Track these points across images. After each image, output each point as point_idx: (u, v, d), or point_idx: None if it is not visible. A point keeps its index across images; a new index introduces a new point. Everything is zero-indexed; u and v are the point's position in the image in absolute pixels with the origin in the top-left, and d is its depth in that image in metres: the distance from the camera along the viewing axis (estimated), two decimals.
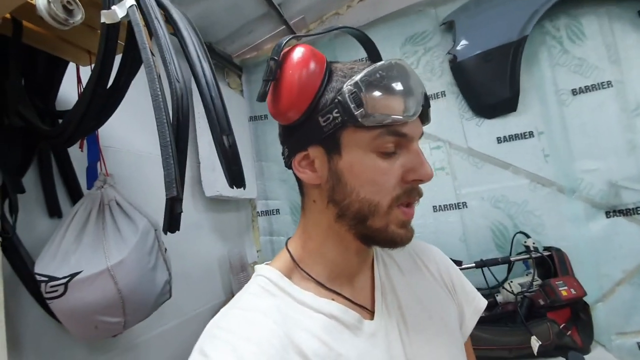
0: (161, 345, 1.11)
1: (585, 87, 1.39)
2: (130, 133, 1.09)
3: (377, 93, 0.40)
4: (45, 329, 0.76)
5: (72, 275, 0.63)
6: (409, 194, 0.42)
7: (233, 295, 1.57)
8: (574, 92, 1.40)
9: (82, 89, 0.87)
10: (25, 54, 0.72)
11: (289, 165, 0.49)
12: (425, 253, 0.59)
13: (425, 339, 0.47)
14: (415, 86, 0.42)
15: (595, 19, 1.40)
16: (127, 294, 0.67)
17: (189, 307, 1.27)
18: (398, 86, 0.41)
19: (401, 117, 0.40)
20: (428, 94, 1.46)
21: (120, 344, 0.94)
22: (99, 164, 0.82)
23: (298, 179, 0.49)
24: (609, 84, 1.36)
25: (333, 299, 0.45)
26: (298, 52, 0.43)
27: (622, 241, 1.31)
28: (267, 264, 0.50)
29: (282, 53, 0.43)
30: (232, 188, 0.66)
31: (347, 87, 0.41)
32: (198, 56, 0.60)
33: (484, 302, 0.59)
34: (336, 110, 0.41)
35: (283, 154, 0.51)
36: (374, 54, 0.56)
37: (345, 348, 0.41)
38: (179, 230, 0.59)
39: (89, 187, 0.80)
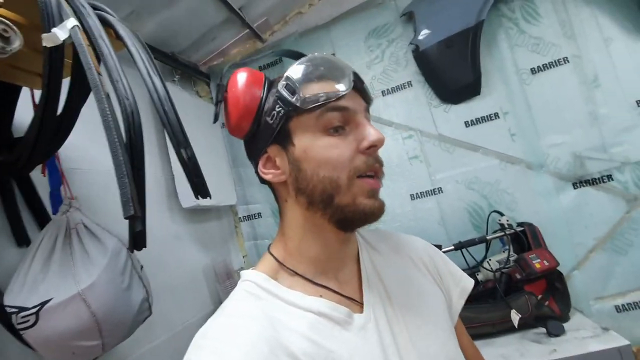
0: None
1: (543, 65, 1.44)
2: (96, 153, 1.07)
3: (306, 78, 0.45)
4: (26, 359, 0.74)
5: (42, 304, 0.62)
6: (367, 163, 0.45)
7: (221, 304, 1.55)
8: (533, 70, 1.45)
9: None
10: None
11: (261, 178, 0.51)
12: (408, 243, 0.61)
13: (415, 325, 0.48)
14: (342, 67, 0.46)
15: None
16: (101, 316, 0.66)
17: (177, 320, 1.26)
18: (324, 69, 0.46)
19: (334, 92, 0.44)
20: (395, 85, 1.48)
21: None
22: (62, 187, 0.80)
23: (270, 185, 0.52)
24: (566, 59, 1.41)
25: (321, 295, 0.46)
26: (237, 74, 0.49)
27: (591, 210, 1.37)
28: (252, 268, 0.50)
29: (226, 78, 0.50)
30: (197, 199, 0.67)
31: (280, 83, 0.46)
32: (148, 72, 0.60)
33: (470, 282, 0.60)
34: (277, 105, 0.46)
35: (255, 170, 0.52)
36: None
37: (336, 344, 0.42)
38: (145, 247, 0.59)
39: (54, 212, 0.79)
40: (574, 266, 1.36)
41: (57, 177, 0.79)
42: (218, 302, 1.48)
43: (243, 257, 1.79)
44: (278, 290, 0.46)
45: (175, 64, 1.62)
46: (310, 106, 0.44)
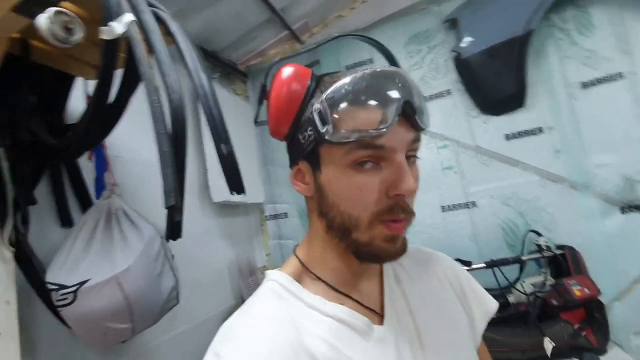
0: (172, 350, 1.13)
1: (595, 79, 1.36)
2: (138, 143, 1.12)
3: (342, 109, 0.39)
4: (58, 335, 0.78)
5: (81, 284, 0.65)
6: (392, 210, 0.40)
7: (243, 300, 1.57)
8: (584, 85, 1.37)
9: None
10: (34, 71, 0.75)
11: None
12: (434, 259, 0.59)
13: (435, 344, 0.47)
14: (389, 95, 0.39)
15: (604, 9, 1.36)
16: (133, 300, 0.69)
17: (199, 312, 1.29)
18: (365, 99, 0.39)
19: (371, 130, 0.38)
20: (433, 92, 1.44)
21: (131, 349, 0.97)
22: (106, 174, 0.84)
23: None
24: (620, 75, 1.32)
25: (342, 303, 0.45)
26: (281, 73, 0.44)
27: (639, 237, 1.26)
28: (277, 269, 0.51)
29: (270, 77, 0.46)
30: (232, 194, 0.67)
31: (316, 104, 0.41)
32: (196, 68, 0.62)
33: (494, 305, 0.57)
34: (310, 127, 0.42)
35: None
36: (389, 59, 0.56)
37: (354, 353, 0.41)
38: (180, 237, 0.61)
39: (97, 197, 0.83)
40: (616, 296, 1.26)
41: (102, 164, 0.83)
42: (240, 297, 1.50)
43: (266, 255, 1.81)
44: (301, 293, 0.45)
45: (215, 61, 1.67)
46: (340, 141, 0.39)
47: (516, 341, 1.09)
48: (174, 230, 0.59)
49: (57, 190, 0.86)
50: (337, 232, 0.43)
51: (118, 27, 0.58)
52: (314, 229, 0.49)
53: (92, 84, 0.89)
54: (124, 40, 0.61)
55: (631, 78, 1.31)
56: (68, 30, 0.53)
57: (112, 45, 0.60)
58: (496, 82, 1.41)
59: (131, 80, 0.70)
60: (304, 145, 0.43)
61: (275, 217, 1.80)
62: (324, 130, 0.40)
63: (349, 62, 1.72)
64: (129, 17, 0.60)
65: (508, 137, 1.45)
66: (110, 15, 0.59)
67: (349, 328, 0.43)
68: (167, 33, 0.67)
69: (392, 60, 0.56)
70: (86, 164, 0.89)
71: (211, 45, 1.65)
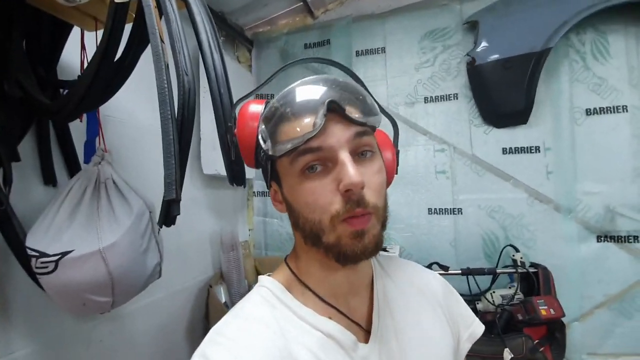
0: (147, 315, 1.14)
1: (600, 108, 1.37)
2: (132, 103, 1.06)
3: (276, 124, 0.42)
4: (34, 297, 0.77)
5: (64, 254, 0.63)
6: (347, 207, 0.40)
7: (221, 272, 1.57)
8: (588, 111, 1.38)
9: (85, 56, 0.84)
10: (29, 16, 0.68)
11: None
12: (424, 277, 0.59)
13: None
14: (314, 100, 0.41)
15: (623, 38, 1.35)
16: (117, 276, 0.67)
17: (177, 280, 1.29)
18: (292, 109, 0.42)
19: (301, 137, 0.40)
20: (440, 94, 1.42)
21: (106, 313, 0.96)
22: (97, 138, 0.80)
23: None
24: (625, 108, 1.34)
25: (330, 317, 0.46)
26: (240, 112, 0.49)
27: (610, 266, 1.33)
28: (269, 275, 0.51)
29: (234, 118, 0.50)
30: (232, 185, 0.65)
31: (260, 127, 0.45)
32: (210, 47, 0.57)
33: (481, 328, 0.58)
34: (260, 149, 0.45)
35: None
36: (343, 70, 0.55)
37: None
38: (174, 224, 0.59)
39: (86, 161, 0.79)
40: (577, 317, 1.34)
41: (95, 128, 0.79)
42: (218, 269, 1.51)
43: (249, 230, 1.80)
44: (291, 303, 0.46)
45: (221, 24, 1.57)
46: (281, 154, 0.42)
47: (478, 348, 1.14)
48: (168, 217, 0.57)
49: (42, 149, 0.81)
50: (310, 239, 0.44)
51: None
52: (297, 242, 0.50)
53: (90, 36, 0.83)
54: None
55: (634, 112, 1.33)
56: None
57: (121, 7, 0.55)
58: (506, 94, 1.40)
59: (138, 43, 0.65)
60: (265, 167, 0.47)
61: (264, 194, 1.78)
62: (266, 148, 0.43)
63: (361, 47, 1.66)
64: None
65: (505, 151, 1.46)
66: None
67: (336, 344, 0.44)
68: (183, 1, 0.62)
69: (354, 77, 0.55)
70: (76, 124, 0.84)
71: (219, 5, 1.55)
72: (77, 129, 0.86)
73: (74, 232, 0.66)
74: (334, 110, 0.40)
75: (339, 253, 0.42)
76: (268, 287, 0.47)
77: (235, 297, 1.47)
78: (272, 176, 0.47)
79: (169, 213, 0.49)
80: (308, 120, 0.40)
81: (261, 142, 0.44)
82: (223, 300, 1.43)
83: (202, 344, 0.41)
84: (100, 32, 0.80)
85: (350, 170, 0.39)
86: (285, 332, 0.42)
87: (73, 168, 0.83)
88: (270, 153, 0.43)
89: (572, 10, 1.30)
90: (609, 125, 1.35)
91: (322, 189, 0.40)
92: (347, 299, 0.49)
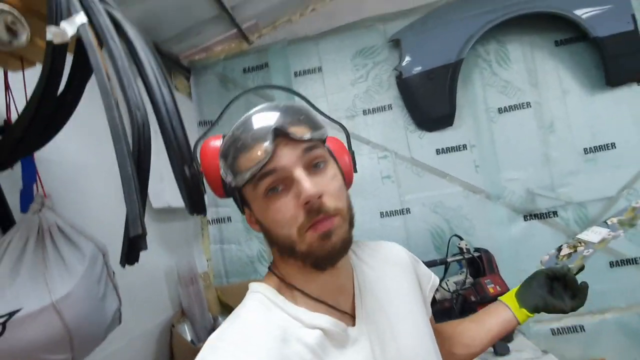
0: None
1: (509, 106, 1.59)
2: (67, 143, 0.99)
3: (232, 158, 0.47)
4: None
5: (10, 314, 0.57)
6: (309, 215, 0.44)
7: (182, 310, 1.49)
8: (500, 110, 1.59)
9: (10, 97, 0.78)
10: None
11: None
12: (394, 252, 0.65)
13: (405, 335, 0.52)
14: (258, 130, 0.45)
15: (519, 46, 1.60)
16: (74, 328, 0.62)
17: (135, 325, 1.20)
18: (242, 141, 0.46)
19: (254, 166, 0.44)
20: (376, 105, 1.54)
21: None
22: (35, 185, 0.74)
23: None
24: (528, 104, 1.57)
25: (321, 311, 0.49)
26: (202, 152, 0.54)
27: (537, 241, 1.53)
28: (259, 282, 0.52)
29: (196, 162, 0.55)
30: (192, 215, 0.65)
31: (220, 163, 0.50)
32: (157, 82, 0.58)
33: (436, 279, 0.67)
34: (225, 182, 0.50)
35: None
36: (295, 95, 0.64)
37: (335, 357, 0.46)
38: (137, 262, 0.57)
39: (24, 210, 0.72)
40: None
41: (32, 173, 0.73)
42: (178, 306, 1.43)
43: (207, 260, 1.74)
44: (285, 305, 0.48)
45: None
46: (243, 183, 0.46)
47: None
48: (130, 255, 0.55)
49: None
50: (285, 252, 0.48)
51: (70, 28, 0.52)
52: (275, 257, 0.54)
53: (15, 77, 0.77)
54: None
55: (536, 107, 1.57)
56: (11, 31, 0.46)
57: (62, 48, 0.54)
58: (431, 102, 1.57)
59: (80, 80, 0.63)
60: (234, 196, 0.51)
61: (218, 221, 1.74)
62: (229, 181, 0.48)
63: (298, 68, 1.74)
64: (81, 17, 0.54)
65: (438, 152, 1.62)
66: (58, 13, 0.53)
67: (331, 337, 0.47)
68: (123, 37, 0.62)
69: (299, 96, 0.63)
70: (5, 173, 0.77)
71: (152, 36, 1.52)
72: (7, 177, 0.79)
73: (19, 288, 0.61)
74: (280, 134, 0.44)
75: (314, 259, 0.46)
76: (261, 292, 0.49)
77: (201, 333, 1.40)
78: (242, 202, 0.51)
79: (136, 249, 0.48)
80: (259, 149, 0.44)
81: (224, 175, 0.49)
82: (189, 338, 1.35)
83: (201, 351, 0.42)
84: (27, 71, 0.76)
85: (305, 184, 0.43)
86: (284, 335, 0.44)
87: (5, 223, 0.75)
88: (233, 185, 0.47)
89: (477, 25, 1.51)
90: (518, 120, 1.57)
91: (286, 206, 0.44)
92: (334, 296, 0.52)
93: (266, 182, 0.44)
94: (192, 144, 0.62)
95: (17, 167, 0.80)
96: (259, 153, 0.44)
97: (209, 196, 1.74)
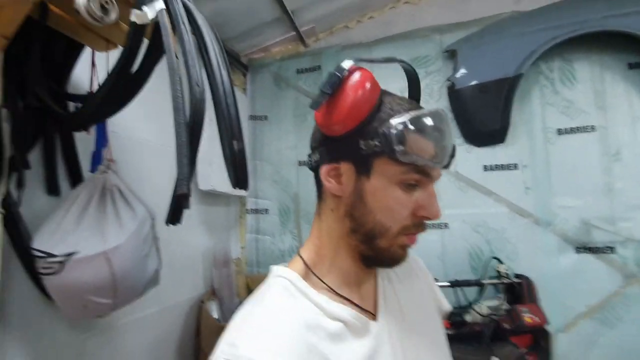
0: (139, 330, 1.13)
1: (570, 128, 1.48)
2: (134, 120, 1.11)
3: (418, 136, 0.43)
4: (31, 303, 0.78)
5: (70, 255, 0.66)
6: (417, 227, 0.46)
7: (213, 289, 1.57)
8: (560, 131, 1.49)
9: (95, 73, 0.90)
10: (47, 36, 0.74)
11: (314, 168, 0.52)
12: (417, 263, 0.66)
13: (424, 345, 0.53)
14: (450, 138, 0.47)
15: (587, 65, 1.49)
16: (119, 277, 0.70)
17: (169, 295, 1.29)
18: (437, 134, 0.45)
19: (432, 162, 0.44)
20: None
21: (99, 324, 0.96)
22: (104, 149, 0.84)
23: (319, 185, 0.53)
24: (593, 128, 1.46)
25: (344, 305, 0.49)
26: (360, 76, 0.44)
27: (588, 277, 1.39)
28: (283, 265, 0.53)
29: (345, 71, 0.44)
30: (235, 188, 0.70)
31: (394, 122, 0.43)
32: (218, 63, 0.64)
33: (448, 307, 0.66)
34: (378, 139, 0.44)
35: (310, 156, 0.53)
36: (415, 90, 0.58)
37: (354, 350, 0.46)
38: (180, 223, 0.63)
39: (93, 171, 0.82)
40: (561, 328, 1.38)
41: (102, 138, 0.83)
42: (210, 286, 1.51)
43: (241, 248, 1.82)
44: (309, 291, 0.48)
45: None
46: (406, 162, 0.44)
47: (468, 357, 1.18)
48: (175, 215, 0.61)
49: (48, 159, 0.84)
50: (361, 235, 0.47)
51: (150, 12, 0.60)
52: (329, 227, 0.51)
53: (101, 55, 0.89)
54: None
55: (602, 132, 1.44)
56: (104, 10, 0.54)
57: (141, 28, 0.62)
58: (483, 116, 1.51)
59: (152, 59, 0.71)
60: (361, 151, 0.45)
61: (256, 211, 1.81)
62: (397, 149, 0.43)
63: None
64: (160, 4, 0.62)
65: (486, 168, 1.56)
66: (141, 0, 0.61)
67: (351, 327, 0.47)
68: (193, 24, 0.69)
69: (417, 87, 0.58)
70: (80, 137, 0.88)
71: (218, 33, 1.65)
72: (82, 141, 0.90)
73: (80, 235, 0.69)
74: (452, 153, 0.48)
75: (380, 258, 0.48)
76: (286, 276, 0.49)
77: (227, 314, 1.47)
78: (357, 161, 0.46)
79: (179, 207, 0.53)
80: (442, 153, 0.45)
81: (393, 139, 0.43)
82: (215, 316, 1.42)
83: (226, 332, 0.42)
84: (110, 53, 0.87)
85: (438, 205, 0.46)
86: (307, 322, 0.44)
87: (76, 178, 0.86)
88: (397, 155, 0.43)
89: (540, 40, 1.44)
90: (579, 144, 1.46)
91: (406, 203, 0.45)
92: (359, 290, 0.53)
93: (417, 178, 0.45)
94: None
95: (91, 135, 0.91)
96: (433, 154, 0.44)
97: (250, 186, 1.82)
